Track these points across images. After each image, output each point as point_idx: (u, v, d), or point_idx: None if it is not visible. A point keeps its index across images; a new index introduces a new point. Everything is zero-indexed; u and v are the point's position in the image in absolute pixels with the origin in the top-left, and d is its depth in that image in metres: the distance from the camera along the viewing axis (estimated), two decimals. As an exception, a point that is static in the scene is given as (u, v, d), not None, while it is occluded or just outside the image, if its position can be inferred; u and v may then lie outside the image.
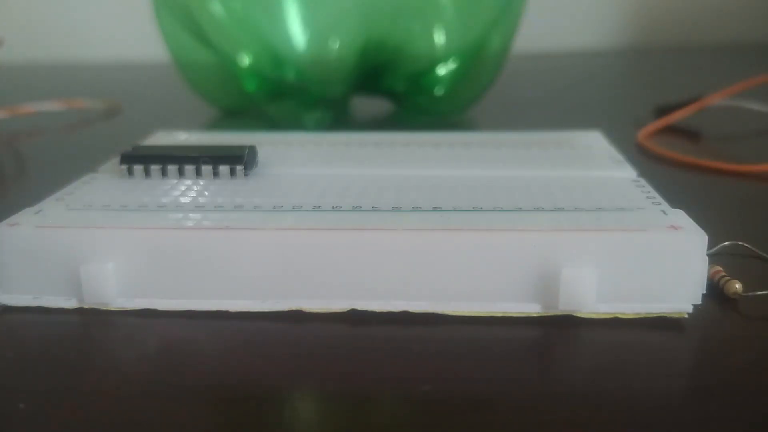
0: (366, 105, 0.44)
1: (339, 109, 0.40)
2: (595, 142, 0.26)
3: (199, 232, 0.18)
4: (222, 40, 0.36)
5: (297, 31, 0.35)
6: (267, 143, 0.26)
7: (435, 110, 0.41)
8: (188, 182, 0.22)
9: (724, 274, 0.18)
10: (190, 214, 0.19)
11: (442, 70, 0.38)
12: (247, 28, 0.35)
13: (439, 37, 0.37)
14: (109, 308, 0.18)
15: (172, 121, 0.35)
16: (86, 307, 0.18)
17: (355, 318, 0.18)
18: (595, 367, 0.16)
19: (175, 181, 0.22)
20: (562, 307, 0.17)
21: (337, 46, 0.36)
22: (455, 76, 0.39)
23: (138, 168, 0.22)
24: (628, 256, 0.17)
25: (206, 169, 0.22)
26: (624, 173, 0.22)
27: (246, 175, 0.22)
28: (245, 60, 0.36)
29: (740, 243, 0.21)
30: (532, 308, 0.18)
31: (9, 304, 0.18)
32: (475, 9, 0.37)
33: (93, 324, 0.18)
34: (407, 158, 0.24)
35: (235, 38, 0.36)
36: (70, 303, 0.18)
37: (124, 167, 0.22)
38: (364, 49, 0.36)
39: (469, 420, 0.14)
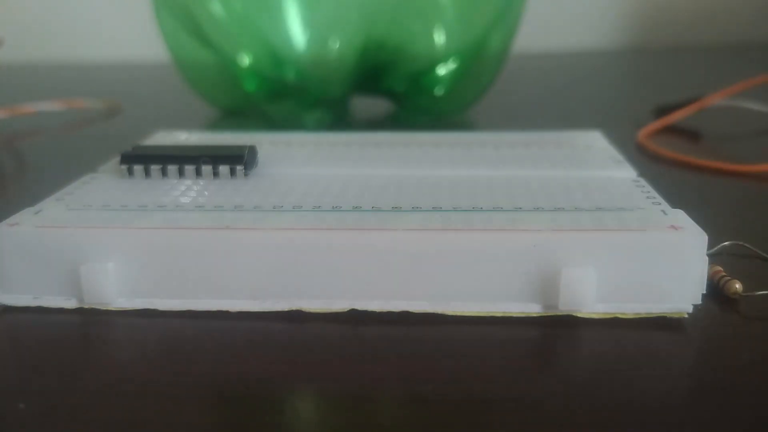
0: (366, 105, 0.44)
1: (339, 109, 0.40)
2: (595, 142, 0.26)
3: (199, 232, 0.18)
4: (222, 40, 0.36)
5: (297, 31, 0.35)
6: (267, 143, 0.26)
7: (435, 110, 0.41)
8: (188, 182, 0.22)
9: (724, 274, 0.18)
10: (190, 214, 0.19)
11: (442, 70, 0.38)
12: (247, 28, 0.35)
13: (439, 37, 0.37)
14: (109, 308, 0.18)
15: (172, 121, 0.35)
16: (86, 307, 0.18)
17: (355, 318, 0.18)
18: (595, 367, 0.16)
19: (175, 181, 0.22)
20: (562, 307, 0.17)
21: (337, 46, 0.36)
22: (455, 76, 0.39)
23: (138, 168, 0.22)
24: (628, 256, 0.17)
25: (206, 169, 0.22)
26: (624, 173, 0.22)
27: (246, 175, 0.22)
28: (245, 60, 0.36)
29: (740, 243, 0.21)
30: (532, 308, 0.18)
31: (9, 304, 0.18)
32: (475, 9, 0.37)
33: (93, 324, 0.18)
34: (407, 158, 0.24)
35: (235, 38, 0.36)
36: (70, 303, 0.18)
37: (124, 167, 0.22)
38: (364, 49, 0.36)
39: (469, 420, 0.14)
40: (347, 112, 0.41)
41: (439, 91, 0.39)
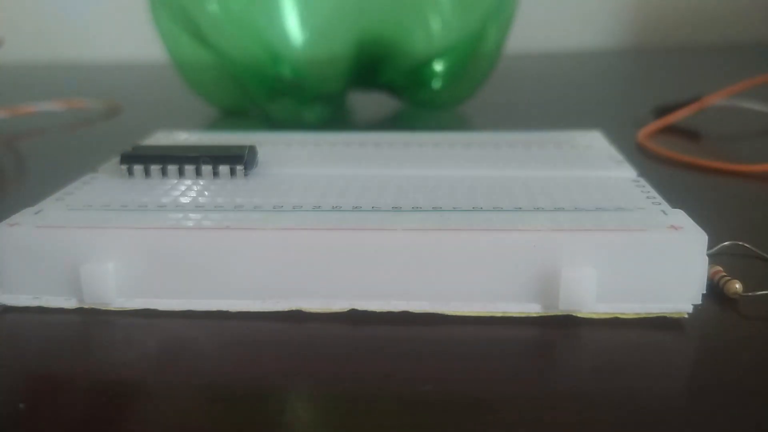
0: (366, 105, 0.44)
1: (337, 104, 0.40)
2: (595, 142, 0.26)
3: (199, 232, 0.18)
4: (219, 38, 0.36)
5: (294, 28, 0.35)
6: (267, 143, 0.26)
7: (433, 103, 0.41)
8: (188, 182, 0.22)
9: (724, 274, 0.18)
10: (190, 214, 0.19)
11: (439, 64, 0.38)
12: (244, 26, 0.35)
13: (436, 31, 0.37)
14: (109, 308, 0.18)
15: (172, 121, 0.35)
16: (86, 307, 0.18)
17: (355, 318, 0.18)
18: (595, 367, 0.16)
19: (175, 181, 0.22)
20: (562, 307, 0.17)
21: (335, 41, 0.36)
22: (452, 69, 0.39)
23: (138, 168, 0.22)
24: (628, 256, 0.17)
25: (206, 169, 0.22)
26: (624, 173, 0.22)
27: (246, 175, 0.22)
28: (243, 58, 0.36)
29: (740, 243, 0.21)
30: (532, 308, 0.18)
31: (9, 304, 0.18)
32: (472, 1, 0.38)
33: (93, 324, 0.18)
34: (407, 158, 0.24)
35: (233, 37, 0.36)
36: (70, 303, 0.18)
37: (124, 167, 0.22)
38: (361, 43, 0.36)
39: (469, 420, 0.14)
40: (345, 107, 0.41)
41: (436, 84, 0.39)
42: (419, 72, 0.39)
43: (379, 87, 0.41)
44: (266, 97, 0.38)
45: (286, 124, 0.37)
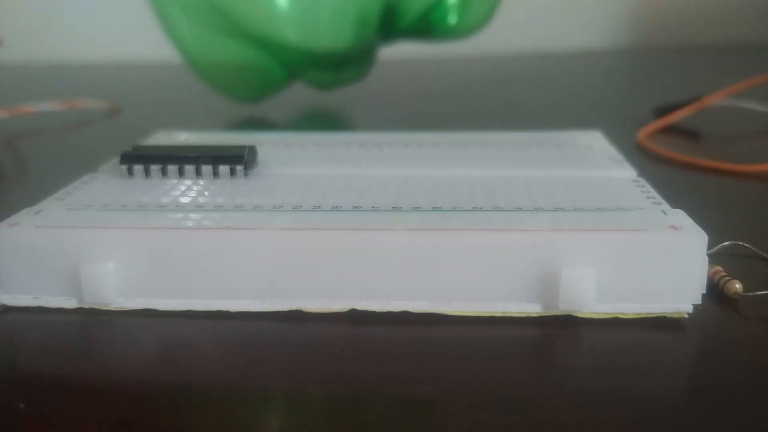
0: (367, 105, 0.44)
1: (369, 58, 0.42)
2: (595, 142, 0.26)
3: (199, 232, 0.18)
4: (252, 21, 0.37)
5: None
6: (267, 143, 0.26)
7: (454, 35, 0.42)
8: (188, 182, 0.22)
9: (724, 274, 0.18)
10: (190, 214, 0.19)
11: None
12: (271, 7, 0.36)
13: None
14: (109, 308, 0.18)
15: (172, 121, 0.35)
16: (86, 307, 0.18)
17: (355, 318, 0.18)
18: (595, 367, 0.16)
19: (175, 181, 0.22)
20: (562, 307, 0.17)
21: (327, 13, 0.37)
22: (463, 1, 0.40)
23: (138, 168, 0.22)
24: (628, 256, 0.17)
25: (206, 169, 0.22)
26: (624, 173, 0.22)
27: (246, 175, 0.22)
28: (275, 38, 0.37)
29: (740, 243, 0.21)
30: (532, 308, 0.18)
31: (9, 304, 0.18)
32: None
33: (93, 324, 0.18)
34: (407, 158, 0.24)
35: (264, 17, 0.37)
36: (70, 303, 0.18)
37: (124, 167, 0.22)
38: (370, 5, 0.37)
39: (469, 420, 0.14)
40: (373, 60, 0.43)
41: (452, 20, 0.40)
42: (432, 13, 0.40)
43: (401, 35, 0.42)
44: (300, 68, 0.40)
45: (331, 88, 0.40)
